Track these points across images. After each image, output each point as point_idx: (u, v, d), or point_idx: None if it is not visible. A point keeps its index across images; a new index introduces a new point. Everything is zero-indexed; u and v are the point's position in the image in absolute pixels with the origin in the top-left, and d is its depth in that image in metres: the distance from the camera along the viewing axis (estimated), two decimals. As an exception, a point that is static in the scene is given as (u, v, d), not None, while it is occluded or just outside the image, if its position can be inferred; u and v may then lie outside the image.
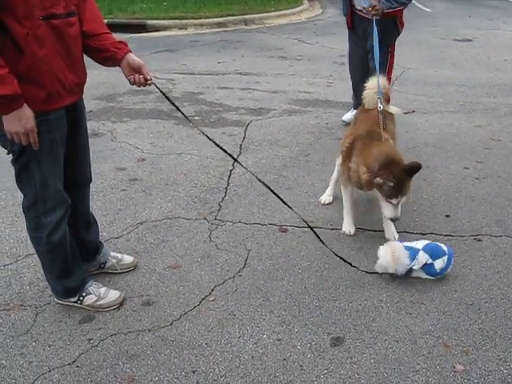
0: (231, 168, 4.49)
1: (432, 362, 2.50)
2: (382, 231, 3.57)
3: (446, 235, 3.57)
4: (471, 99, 6.61)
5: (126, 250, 3.34)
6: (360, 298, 2.94)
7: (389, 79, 5.01)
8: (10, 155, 2.48)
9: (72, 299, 2.84)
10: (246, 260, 3.27)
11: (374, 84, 3.85)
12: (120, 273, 3.13)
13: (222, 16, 12.41)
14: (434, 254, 3.06)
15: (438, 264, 3.05)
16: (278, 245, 3.44)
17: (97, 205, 3.89)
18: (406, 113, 5.99)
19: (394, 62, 5.46)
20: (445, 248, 3.11)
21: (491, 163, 4.75)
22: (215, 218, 3.74)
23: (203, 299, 2.92)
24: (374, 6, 4.86)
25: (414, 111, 6.10)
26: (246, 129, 5.45)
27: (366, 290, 3.01)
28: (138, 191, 4.14)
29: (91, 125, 5.55)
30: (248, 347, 2.59)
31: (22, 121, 2.25)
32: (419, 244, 3.14)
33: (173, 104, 2.97)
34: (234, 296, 2.95)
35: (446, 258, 3.06)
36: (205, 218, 3.74)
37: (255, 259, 3.28)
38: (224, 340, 2.63)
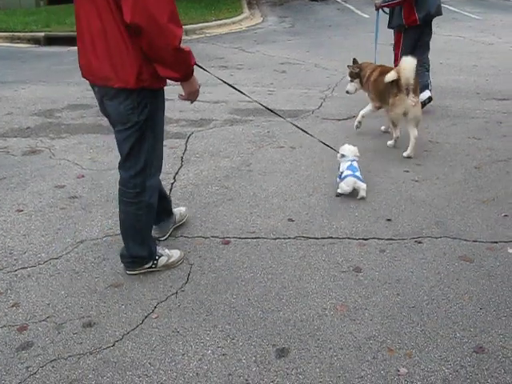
0: (172, 181, 4.46)
1: (376, 368, 2.52)
2: (326, 238, 3.60)
3: (387, 239, 3.62)
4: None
5: (66, 271, 3.26)
6: (304, 308, 2.94)
7: (395, 58, 6.26)
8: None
9: (147, 265, 3.23)
10: (189, 275, 3.24)
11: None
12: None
13: (162, 27, 12.37)
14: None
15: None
16: (220, 257, 3.41)
17: (35, 225, 3.79)
18: (346, 119, 6.08)
19: (398, 56, 6.11)
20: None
21: (430, 165, 4.86)
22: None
23: (146, 317, 2.87)
24: (375, 2, 6.39)
25: (354, 117, 6.17)
26: (187, 141, 5.41)
27: (309, 298, 3.01)
28: (78, 209, 4.05)
29: (29, 142, 5.44)
30: (192, 364, 2.55)
31: (195, 82, 2.84)
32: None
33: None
34: (177, 312, 2.91)
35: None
36: (147, 234, 3.68)
37: (198, 273, 3.25)
38: (168, 358, 2.59)
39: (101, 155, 5.09)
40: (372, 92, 5.43)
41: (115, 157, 5.01)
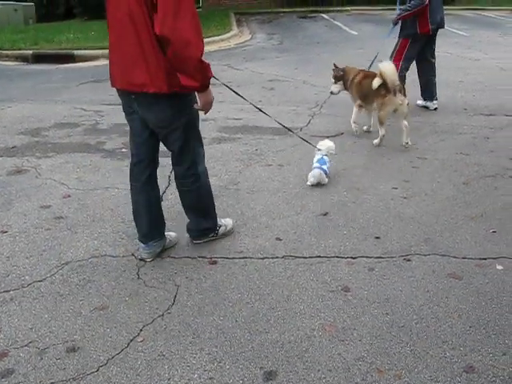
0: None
1: (365, 390, 2.49)
2: (314, 257, 3.57)
3: (376, 257, 3.59)
4: (397, 119, 6.75)
5: (50, 294, 3.20)
6: (292, 329, 2.90)
7: (396, 66, 6.36)
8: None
9: (211, 234, 3.76)
10: (176, 296, 3.19)
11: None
12: None
13: (150, 44, 12.39)
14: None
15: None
16: (207, 278, 3.37)
17: (19, 246, 3.74)
18: (334, 136, 6.08)
19: (400, 63, 6.91)
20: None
21: (418, 182, 4.85)
22: (143, 254, 3.65)
23: (131, 341, 2.82)
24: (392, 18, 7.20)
25: (342, 133, 6.19)
26: (174, 159, 5.37)
27: (297, 319, 2.97)
28: (64, 230, 4.00)
29: (14, 161, 5.40)
30: (178, 389, 2.51)
31: (211, 93, 3.14)
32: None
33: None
34: (163, 335, 2.86)
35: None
36: (132, 255, 3.64)
37: (184, 295, 3.20)
38: (153, 383, 2.54)
39: (88, 174, 5.05)
40: (355, 93, 6.09)
41: (102, 176, 5.02)
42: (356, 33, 15.53)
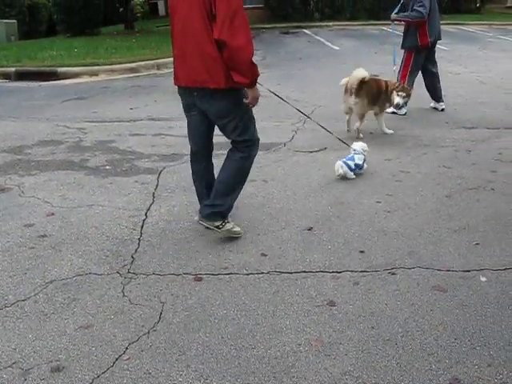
0: (144, 218, 4.41)
1: (352, 404, 2.49)
2: (299, 272, 3.58)
3: (361, 271, 3.61)
4: (380, 132, 6.84)
5: (34, 313, 3.17)
6: (278, 344, 2.90)
7: (401, 77, 7.59)
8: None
9: (217, 223, 4.01)
10: (161, 313, 3.17)
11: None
12: None
13: (133, 61, 12.42)
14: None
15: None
16: (193, 295, 3.36)
17: (2, 266, 3.71)
18: (317, 151, 6.12)
19: (406, 76, 7.64)
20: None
21: (401, 195, 4.89)
22: (128, 272, 3.63)
23: (117, 359, 2.80)
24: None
25: (325, 148, 6.23)
26: (158, 176, 5.38)
27: (283, 334, 2.97)
28: (48, 248, 3.97)
29: (-3, 180, 5.34)
30: (165, 407, 2.49)
31: (257, 90, 3.73)
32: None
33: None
34: (149, 353, 2.84)
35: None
36: (118, 272, 3.62)
37: (170, 312, 3.19)
38: (139, 402, 2.52)
39: (71, 192, 5.03)
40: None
41: (86, 193, 5.00)
42: (338, 48, 15.68)
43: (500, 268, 3.63)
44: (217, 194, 4.01)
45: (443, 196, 4.86)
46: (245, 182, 4.15)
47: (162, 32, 19.99)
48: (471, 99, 8.79)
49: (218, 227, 4.00)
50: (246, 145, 3.99)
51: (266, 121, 7.29)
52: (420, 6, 7.20)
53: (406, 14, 7.50)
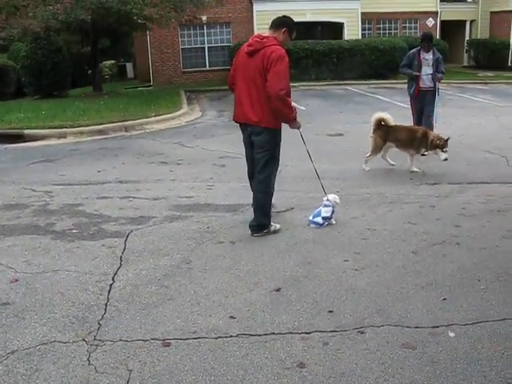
0: (111, 282, 4.34)
1: None
2: (268, 335, 3.55)
3: (330, 331, 3.59)
4: (346, 191, 6.89)
5: (-5, 386, 3.07)
6: (248, 410, 2.85)
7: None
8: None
9: (265, 230, 5.38)
10: (128, 382, 3.09)
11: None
12: None
13: (102, 123, 12.46)
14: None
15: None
16: (161, 361, 3.29)
17: (-38, 336, 3.59)
18: (284, 211, 6.16)
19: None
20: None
21: (368, 253, 4.92)
22: (94, 339, 3.54)
23: (82, 432, 2.71)
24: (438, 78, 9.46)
25: (292, 208, 6.27)
26: (126, 239, 5.33)
27: (253, 399, 2.93)
28: (10, 316, 3.87)
29: (-41, 247, 5.23)
30: None
31: (298, 122, 5.41)
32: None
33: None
34: (115, 424, 2.76)
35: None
36: (83, 340, 3.53)
37: (137, 380, 3.11)
38: None
39: (37, 257, 4.94)
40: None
41: (52, 258, 4.92)
42: (304, 108, 15.92)
43: (468, 323, 3.66)
44: (257, 213, 5.40)
45: (409, 252, 4.91)
46: (269, 205, 5.52)
47: (130, 94, 20.21)
48: (433, 155, 8.98)
49: (267, 232, 5.37)
50: (266, 181, 5.41)
51: (234, 182, 7.34)
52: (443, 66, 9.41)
53: (441, 75, 9.40)
